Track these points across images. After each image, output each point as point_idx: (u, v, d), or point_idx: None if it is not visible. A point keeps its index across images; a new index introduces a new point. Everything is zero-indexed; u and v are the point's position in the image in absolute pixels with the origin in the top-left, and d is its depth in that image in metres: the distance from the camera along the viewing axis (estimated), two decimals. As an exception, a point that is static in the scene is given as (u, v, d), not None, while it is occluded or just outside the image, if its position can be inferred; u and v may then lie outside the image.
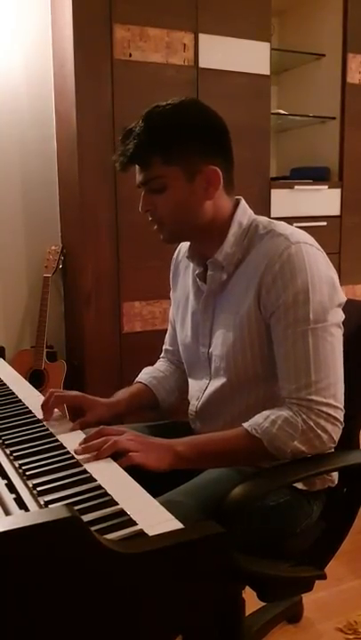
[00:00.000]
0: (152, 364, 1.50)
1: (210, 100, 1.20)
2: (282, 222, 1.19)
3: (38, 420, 1.20)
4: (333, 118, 2.98)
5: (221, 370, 1.21)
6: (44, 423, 1.18)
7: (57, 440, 1.09)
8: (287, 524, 1.17)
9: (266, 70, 2.72)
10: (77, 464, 0.98)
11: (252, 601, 1.18)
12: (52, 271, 2.60)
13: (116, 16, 2.37)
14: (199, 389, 1.29)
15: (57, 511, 0.64)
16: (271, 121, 2.80)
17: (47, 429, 1.15)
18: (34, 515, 0.66)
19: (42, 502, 0.85)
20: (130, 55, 2.43)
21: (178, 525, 0.78)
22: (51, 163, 2.73)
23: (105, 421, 1.25)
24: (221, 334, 1.21)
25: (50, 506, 0.84)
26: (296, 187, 2.88)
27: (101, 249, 2.48)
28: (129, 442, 1.03)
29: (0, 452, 1.03)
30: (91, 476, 0.93)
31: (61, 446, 1.06)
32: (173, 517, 0.81)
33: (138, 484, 0.92)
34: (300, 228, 1.17)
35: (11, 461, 0.99)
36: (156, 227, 1.20)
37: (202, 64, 2.57)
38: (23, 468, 0.96)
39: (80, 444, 1.04)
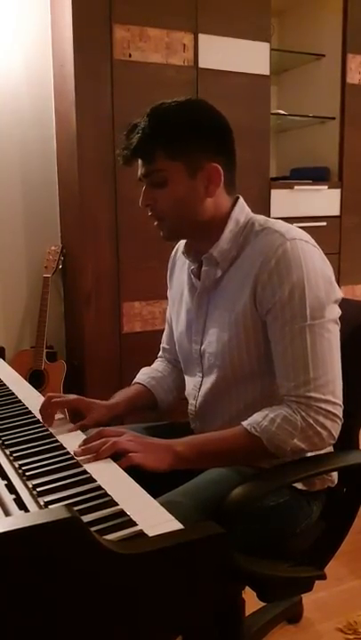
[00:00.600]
0: (152, 364, 1.50)
1: (209, 100, 1.20)
2: (278, 220, 1.19)
3: (38, 421, 1.20)
4: (333, 118, 2.98)
5: (215, 367, 1.22)
6: (44, 424, 1.18)
7: (57, 440, 1.09)
8: (287, 524, 1.17)
9: (266, 70, 2.72)
10: (77, 464, 0.98)
11: (251, 601, 1.19)
12: (52, 271, 2.60)
13: (115, 16, 2.38)
14: (194, 387, 1.29)
15: (57, 512, 0.64)
16: (271, 121, 2.80)
17: (47, 430, 1.15)
18: (34, 515, 0.66)
19: (42, 503, 0.85)
20: (130, 55, 2.43)
21: (178, 526, 0.79)
22: (50, 163, 2.73)
23: (104, 423, 1.25)
24: (215, 331, 1.21)
25: (50, 506, 0.84)
26: (296, 187, 2.88)
27: (101, 249, 2.48)
28: (128, 443, 1.03)
29: (0, 452, 1.03)
30: (91, 476, 0.93)
31: (61, 447, 1.06)
32: (173, 518, 0.81)
33: (138, 485, 0.92)
34: (300, 228, 1.17)
35: (10, 462, 1.00)
36: (156, 223, 1.21)
37: (201, 64, 2.57)
38: (23, 468, 0.96)
39: (80, 446, 1.04)
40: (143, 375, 1.43)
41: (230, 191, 1.20)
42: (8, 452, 1.03)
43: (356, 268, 3.07)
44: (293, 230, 1.14)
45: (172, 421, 1.43)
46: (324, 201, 2.95)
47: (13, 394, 1.38)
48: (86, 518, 0.78)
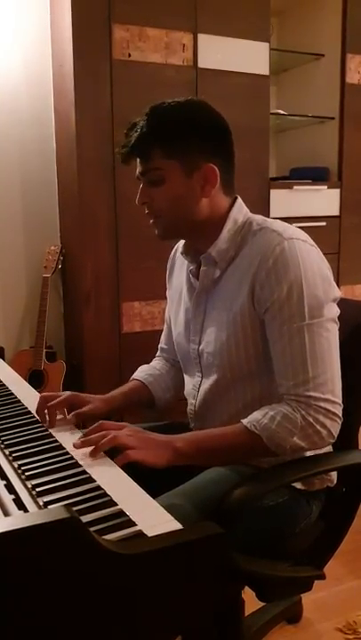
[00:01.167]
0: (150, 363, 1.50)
1: (209, 100, 1.20)
2: (276, 220, 1.19)
3: (37, 421, 1.20)
4: (333, 118, 2.98)
5: (214, 367, 1.22)
6: (44, 424, 1.18)
7: (56, 440, 1.09)
8: (286, 523, 1.17)
9: (265, 70, 2.72)
10: (77, 464, 0.98)
11: (251, 601, 1.18)
12: (52, 271, 2.60)
13: (115, 16, 2.38)
14: (194, 387, 1.29)
15: (56, 512, 0.64)
16: (270, 121, 2.80)
17: (46, 430, 1.15)
18: (33, 515, 0.66)
19: (41, 503, 0.85)
20: (129, 55, 2.43)
21: (177, 526, 0.79)
22: (50, 163, 2.73)
23: (101, 414, 1.25)
24: (213, 331, 1.21)
25: (49, 506, 0.84)
26: (295, 187, 2.88)
27: (101, 249, 2.48)
28: (128, 437, 1.03)
29: (-1, 452, 1.04)
30: (90, 476, 0.93)
31: (61, 447, 1.06)
32: (173, 518, 0.81)
33: (137, 485, 0.92)
34: (300, 228, 1.17)
35: (10, 462, 0.99)
36: (151, 221, 1.21)
37: (201, 64, 2.57)
38: (22, 468, 0.96)
39: (79, 439, 1.04)
40: (141, 372, 1.44)
41: (228, 192, 1.21)
42: (7, 452, 1.03)
43: (355, 267, 3.07)
44: (291, 229, 1.14)
45: (172, 421, 1.43)
46: (323, 201, 2.95)
47: (13, 394, 1.38)
48: (85, 518, 0.78)
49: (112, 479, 0.93)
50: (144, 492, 0.90)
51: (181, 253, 1.31)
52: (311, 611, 1.72)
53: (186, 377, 1.36)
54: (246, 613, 1.39)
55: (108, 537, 0.74)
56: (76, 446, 1.02)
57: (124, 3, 2.39)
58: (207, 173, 1.15)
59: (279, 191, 2.83)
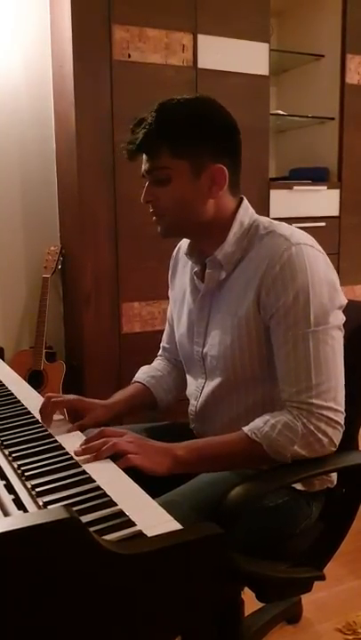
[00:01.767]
0: (151, 364, 1.50)
1: (209, 100, 1.20)
2: (283, 223, 1.18)
3: (37, 421, 1.20)
4: (332, 119, 2.98)
5: (218, 370, 1.21)
6: (43, 424, 1.18)
7: (56, 441, 1.09)
8: (286, 524, 1.17)
9: (265, 71, 2.72)
10: (76, 465, 0.98)
11: (251, 601, 1.19)
12: (51, 272, 2.60)
13: (115, 17, 2.38)
14: (197, 388, 1.29)
15: (56, 512, 0.64)
16: (270, 121, 2.80)
17: (46, 430, 1.15)
18: (33, 516, 0.66)
19: (41, 503, 0.85)
20: (129, 56, 2.43)
21: (177, 526, 0.79)
22: (50, 163, 2.73)
23: (103, 423, 1.25)
24: (217, 334, 1.20)
25: (49, 507, 0.84)
26: (295, 187, 2.88)
27: (100, 249, 2.48)
28: (128, 444, 1.03)
29: (-1, 452, 1.04)
30: (90, 476, 0.93)
31: (60, 447, 1.06)
32: (172, 518, 0.81)
33: (137, 485, 0.92)
34: (299, 228, 1.17)
35: (10, 462, 0.99)
36: (154, 218, 1.19)
37: (201, 65, 2.57)
38: (22, 468, 0.96)
39: (80, 445, 1.04)
40: (143, 374, 1.43)
41: (234, 192, 1.19)
42: (7, 453, 1.03)
43: (355, 268, 3.07)
44: (298, 234, 1.13)
45: (172, 422, 1.43)
46: (323, 201, 2.95)
47: (12, 394, 1.38)
48: (85, 518, 0.78)
49: (112, 479, 0.93)
50: (144, 492, 0.90)
51: (186, 254, 1.30)
52: (311, 611, 1.72)
53: (188, 377, 1.35)
54: (246, 614, 1.40)
55: (108, 537, 0.74)
56: (77, 454, 1.02)
57: (124, 3, 2.39)
58: (215, 174, 1.13)
59: (279, 191, 2.83)
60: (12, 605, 0.62)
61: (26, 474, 0.94)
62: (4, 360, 1.87)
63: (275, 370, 1.12)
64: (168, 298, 1.44)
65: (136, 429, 1.29)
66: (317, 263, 1.10)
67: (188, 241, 1.30)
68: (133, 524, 0.79)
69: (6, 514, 0.81)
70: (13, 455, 1.02)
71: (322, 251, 1.14)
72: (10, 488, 0.89)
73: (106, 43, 2.38)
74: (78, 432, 1.15)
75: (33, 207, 2.73)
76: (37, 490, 0.88)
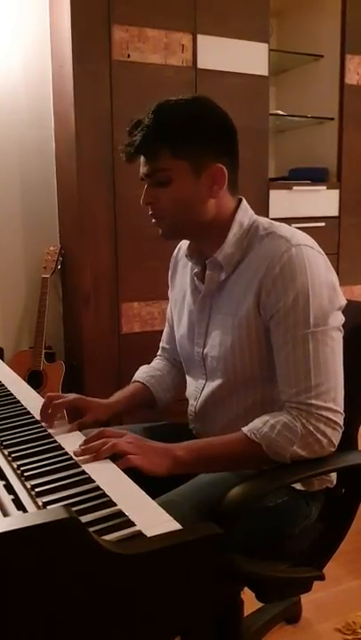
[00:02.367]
0: (150, 363, 1.50)
1: (208, 101, 1.20)
2: (283, 224, 1.18)
3: (37, 421, 1.20)
4: (332, 119, 2.99)
5: (218, 371, 1.21)
6: (43, 424, 1.18)
7: (55, 441, 1.09)
8: (286, 524, 1.17)
9: (264, 71, 2.73)
10: (76, 465, 0.98)
11: (250, 601, 1.19)
12: (51, 272, 2.60)
13: (114, 17, 2.38)
14: (196, 389, 1.29)
15: (55, 512, 0.64)
16: (270, 122, 2.80)
17: (45, 430, 1.15)
18: (32, 516, 0.66)
19: (40, 503, 0.85)
20: (128, 56, 2.43)
21: (176, 526, 0.79)
22: (49, 163, 2.73)
23: (103, 422, 1.25)
24: (218, 335, 1.21)
25: (48, 507, 0.83)
26: (294, 187, 2.88)
27: (100, 249, 2.48)
28: (128, 445, 1.03)
29: (-2, 452, 1.03)
30: (89, 476, 0.93)
31: (60, 447, 1.06)
32: (172, 518, 0.81)
33: (136, 485, 0.92)
34: (299, 228, 1.17)
35: (9, 462, 0.99)
36: (154, 221, 1.19)
37: (200, 65, 2.57)
38: (22, 468, 0.96)
39: (80, 446, 1.04)
40: (142, 373, 1.43)
41: (233, 192, 1.19)
42: (7, 453, 1.03)
43: (354, 268, 3.07)
44: (298, 235, 1.13)
45: (172, 422, 1.43)
46: (322, 201, 2.95)
47: (12, 394, 1.38)
48: (85, 519, 0.78)
49: (111, 479, 0.93)
50: (143, 492, 0.90)
51: (186, 256, 1.30)
52: (310, 611, 1.72)
53: (188, 378, 1.35)
54: (246, 614, 1.39)
55: (108, 537, 0.74)
56: (77, 454, 1.02)
57: (124, 3, 2.39)
58: (216, 173, 1.13)
59: (278, 192, 2.83)
60: (11, 605, 0.62)
61: (25, 474, 0.94)
62: (3, 360, 1.87)
63: (274, 371, 1.12)
64: (168, 298, 1.44)
65: (135, 430, 1.29)
66: (317, 264, 1.10)
67: (189, 242, 1.30)
68: (133, 524, 0.79)
69: (6, 514, 0.81)
70: (13, 455, 1.02)
71: (322, 252, 1.14)
72: (9, 488, 0.89)
73: (105, 43, 2.38)
74: (78, 432, 1.15)
75: (32, 207, 2.73)
76: (37, 490, 0.88)
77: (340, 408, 1.08)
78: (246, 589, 1.13)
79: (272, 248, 1.11)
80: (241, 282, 1.16)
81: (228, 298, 1.20)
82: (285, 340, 1.08)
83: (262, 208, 2.76)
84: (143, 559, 0.69)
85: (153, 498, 0.88)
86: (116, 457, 1.01)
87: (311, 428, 1.05)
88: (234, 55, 2.64)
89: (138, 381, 1.41)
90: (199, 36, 2.55)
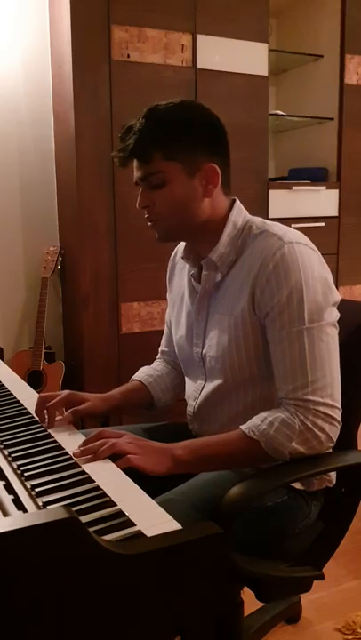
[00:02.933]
0: (150, 364, 1.50)
1: (208, 100, 1.21)
2: (276, 222, 1.19)
3: (37, 421, 1.20)
4: (331, 119, 2.99)
5: (217, 371, 1.22)
6: (43, 425, 1.18)
7: (55, 441, 1.09)
8: (285, 524, 1.17)
9: (264, 71, 2.73)
10: (76, 465, 0.98)
11: (250, 601, 1.18)
12: (51, 272, 2.60)
13: (114, 17, 2.38)
14: (195, 390, 1.29)
15: (55, 512, 0.64)
16: (269, 122, 2.80)
17: (45, 430, 1.15)
18: (32, 516, 0.66)
19: (40, 503, 0.85)
20: (128, 56, 2.43)
21: (176, 526, 0.79)
22: (49, 163, 2.73)
23: (98, 414, 1.25)
24: (215, 335, 1.21)
25: (48, 507, 0.84)
26: (294, 187, 2.88)
27: (100, 250, 2.48)
28: (127, 445, 1.03)
29: (-2, 452, 1.04)
30: (89, 476, 0.93)
31: (60, 447, 1.06)
32: (172, 518, 0.81)
33: (136, 485, 0.92)
34: (298, 228, 1.17)
35: (9, 462, 0.99)
36: (150, 224, 1.20)
37: (200, 65, 2.57)
38: (21, 468, 0.96)
39: (79, 447, 1.04)
40: (142, 373, 1.44)
41: (226, 191, 1.21)
42: (7, 453, 1.03)
43: (354, 268, 3.08)
44: (291, 233, 1.14)
45: (171, 422, 1.43)
46: (322, 201, 2.95)
47: (12, 394, 1.38)
48: (85, 519, 0.78)
49: (111, 479, 0.93)
50: (143, 492, 0.90)
51: (182, 257, 1.31)
52: (310, 611, 1.72)
53: (187, 379, 1.35)
54: (246, 613, 1.39)
55: (108, 537, 0.74)
56: (76, 455, 1.02)
57: (123, 3, 2.39)
58: (209, 173, 1.15)
59: (278, 192, 2.83)
60: (11, 605, 0.62)
61: (25, 474, 0.94)
62: (3, 360, 1.87)
63: (272, 368, 1.13)
64: (167, 298, 1.44)
65: (135, 430, 1.29)
66: (311, 261, 1.11)
67: (185, 244, 1.30)
68: (133, 524, 0.79)
69: (6, 514, 0.81)
70: (13, 455, 1.02)
71: (315, 249, 1.15)
72: (9, 488, 0.89)
73: (105, 43, 2.38)
74: (78, 432, 1.15)
75: (32, 207, 2.73)
76: (37, 490, 0.88)
77: (338, 403, 1.08)
78: (246, 589, 1.13)
79: (265, 246, 1.12)
80: (236, 281, 1.17)
81: (224, 297, 1.20)
82: (281, 336, 1.09)
83: (262, 208, 2.76)
84: (143, 559, 0.69)
85: (153, 497, 0.88)
86: (116, 457, 1.01)
87: (309, 424, 1.05)
88: (233, 55, 2.64)
89: (136, 380, 1.42)
90: (199, 36, 2.55)
